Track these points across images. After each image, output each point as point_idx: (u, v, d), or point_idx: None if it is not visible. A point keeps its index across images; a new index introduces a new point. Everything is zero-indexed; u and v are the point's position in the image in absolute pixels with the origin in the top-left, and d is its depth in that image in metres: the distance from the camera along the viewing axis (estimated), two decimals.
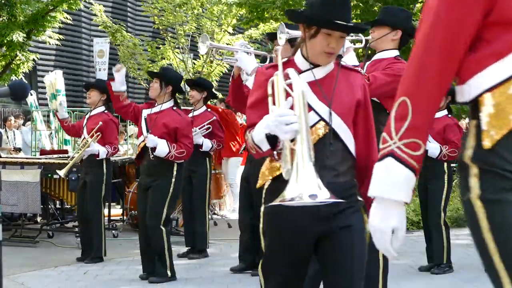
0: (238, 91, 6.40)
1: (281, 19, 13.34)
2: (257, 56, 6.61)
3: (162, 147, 7.58)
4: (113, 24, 19.02)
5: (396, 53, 5.62)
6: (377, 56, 5.66)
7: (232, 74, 6.42)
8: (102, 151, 8.81)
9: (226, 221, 12.26)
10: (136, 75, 19.23)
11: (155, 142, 7.58)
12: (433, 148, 7.96)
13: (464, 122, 19.06)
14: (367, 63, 5.68)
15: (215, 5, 18.54)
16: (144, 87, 19.63)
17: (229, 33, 19.47)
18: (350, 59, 5.33)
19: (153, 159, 7.64)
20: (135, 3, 25.97)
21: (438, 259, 7.97)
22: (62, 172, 9.05)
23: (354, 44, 5.62)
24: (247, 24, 14.33)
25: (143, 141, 7.73)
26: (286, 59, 3.88)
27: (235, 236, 10.55)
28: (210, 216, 12.07)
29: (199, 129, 9.07)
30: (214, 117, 9.47)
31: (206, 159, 9.39)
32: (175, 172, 7.74)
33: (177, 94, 8.06)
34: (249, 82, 6.10)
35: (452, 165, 8.40)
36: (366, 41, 5.70)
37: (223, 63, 19.30)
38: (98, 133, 8.82)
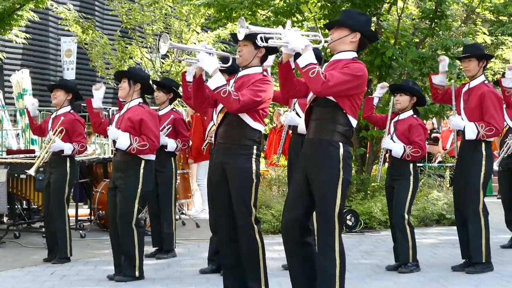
0: (199, 91, 6.50)
1: (250, 19, 13.34)
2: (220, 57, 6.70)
3: (123, 140, 7.55)
4: (85, 20, 18.91)
5: (354, 54, 5.75)
6: (335, 57, 5.79)
7: (194, 74, 6.48)
8: (67, 147, 8.73)
9: (195, 221, 12.25)
10: (104, 75, 19.11)
11: (116, 134, 7.57)
12: (397, 148, 8.00)
13: (431, 123, 19.26)
14: (325, 64, 5.79)
15: (184, 6, 18.47)
16: (113, 86, 19.51)
17: (197, 32, 19.41)
18: (308, 57, 5.41)
19: (115, 151, 7.62)
20: (102, 1, 25.82)
21: (404, 259, 8.00)
22: (32, 171, 8.95)
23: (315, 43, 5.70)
24: (215, 23, 14.28)
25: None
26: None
27: (203, 236, 10.56)
28: (178, 216, 12.07)
29: (161, 130, 9.00)
30: (178, 116, 9.42)
31: (171, 159, 9.35)
32: (142, 170, 7.70)
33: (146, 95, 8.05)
34: (210, 82, 6.15)
35: (419, 165, 8.44)
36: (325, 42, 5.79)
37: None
38: (61, 128, 8.74)
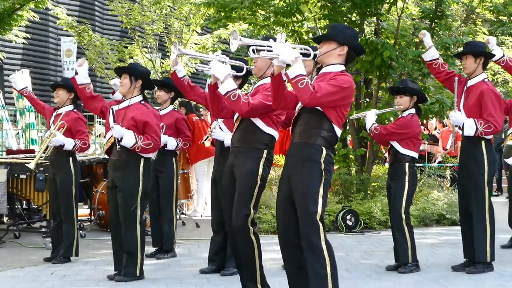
0: (215, 99, 6.63)
1: (249, 19, 13.34)
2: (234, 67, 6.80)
3: (128, 138, 7.53)
4: (79, 24, 18.89)
5: (342, 67, 5.88)
6: (323, 70, 5.92)
7: (209, 82, 6.61)
8: (68, 141, 8.74)
9: (195, 221, 12.25)
10: (103, 75, 19.09)
11: (121, 132, 7.54)
12: (369, 120, 8.14)
13: (432, 122, 19.24)
14: (314, 77, 5.92)
15: (184, 5, 18.48)
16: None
17: (197, 33, 19.42)
18: (298, 68, 5.53)
19: (119, 149, 7.59)
20: (103, 2, 25.82)
21: (403, 259, 8.00)
22: (32, 165, 8.95)
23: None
24: (215, 24, 14.26)
25: (112, 136, 7.70)
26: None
27: (203, 236, 10.57)
28: (178, 216, 12.07)
29: None
30: (180, 115, 9.42)
31: (173, 159, 9.33)
32: (141, 168, 7.68)
33: (146, 90, 8.04)
34: (221, 88, 6.21)
35: (418, 165, 8.44)
36: (314, 55, 5.91)
37: (191, 63, 19.27)
38: (63, 122, 8.76)
